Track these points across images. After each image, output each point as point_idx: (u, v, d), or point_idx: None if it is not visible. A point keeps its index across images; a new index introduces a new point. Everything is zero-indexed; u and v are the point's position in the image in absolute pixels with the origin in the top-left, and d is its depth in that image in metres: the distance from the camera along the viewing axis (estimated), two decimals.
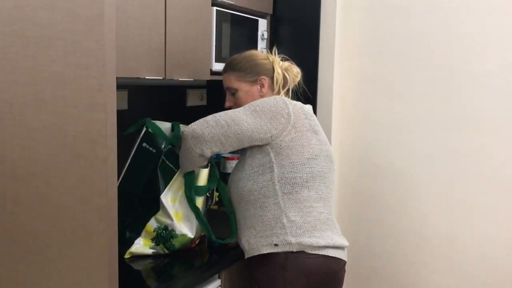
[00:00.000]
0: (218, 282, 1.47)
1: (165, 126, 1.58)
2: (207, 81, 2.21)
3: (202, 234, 1.55)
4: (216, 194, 1.67)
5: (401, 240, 2.00)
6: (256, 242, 1.39)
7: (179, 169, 1.46)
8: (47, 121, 1.05)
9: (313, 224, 1.37)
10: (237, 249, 1.50)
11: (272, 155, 1.37)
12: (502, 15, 1.75)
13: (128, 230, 1.47)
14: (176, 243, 1.46)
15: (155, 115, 1.76)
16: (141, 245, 1.45)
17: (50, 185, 1.07)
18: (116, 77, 1.04)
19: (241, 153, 1.48)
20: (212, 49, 1.73)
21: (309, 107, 1.48)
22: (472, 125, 1.83)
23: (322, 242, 1.36)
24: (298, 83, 1.58)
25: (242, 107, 1.41)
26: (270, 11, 2.06)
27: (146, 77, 1.47)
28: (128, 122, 1.55)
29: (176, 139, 1.52)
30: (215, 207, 1.84)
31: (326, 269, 1.38)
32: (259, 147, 1.39)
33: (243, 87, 1.51)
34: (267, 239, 1.37)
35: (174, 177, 1.46)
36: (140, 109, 1.89)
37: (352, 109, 2.06)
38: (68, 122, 1.04)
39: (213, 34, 1.72)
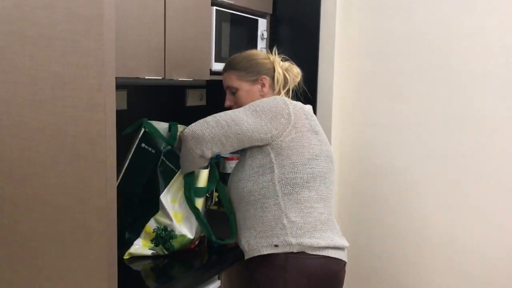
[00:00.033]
0: (217, 283, 1.47)
1: (162, 126, 1.57)
2: (207, 81, 2.20)
3: (202, 234, 1.55)
4: (215, 194, 1.66)
5: (401, 240, 2.00)
6: (256, 243, 1.39)
7: (179, 170, 1.45)
8: (46, 121, 1.05)
9: (313, 224, 1.37)
10: (237, 250, 1.50)
11: (272, 155, 1.36)
12: (502, 15, 1.75)
13: (127, 230, 1.47)
14: (176, 244, 1.45)
15: (154, 115, 1.75)
16: (140, 246, 1.45)
17: (49, 186, 1.07)
18: (115, 77, 1.03)
19: (241, 153, 1.47)
20: (212, 49, 1.72)
21: (309, 107, 1.48)
22: (472, 125, 1.83)
23: (323, 243, 1.36)
24: (298, 83, 1.58)
25: (242, 107, 1.40)
26: (270, 10, 2.06)
27: (146, 77, 1.46)
28: (127, 122, 1.55)
29: (173, 139, 1.52)
30: (215, 207, 1.84)
31: (327, 270, 1.38)
32: (259, 147, 1.38)
33: (243, 87, 1.50)
34: (267, 240, 1.37)
35: (174, 177, 1.45)
36: (139, 109, 1.88)
37: (352, 109, 2.05)
38: (67, 122, 1.03)
39: (212, 34, 1.71)
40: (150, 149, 1.48)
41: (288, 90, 1.54)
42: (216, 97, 2.24)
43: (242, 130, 1.35)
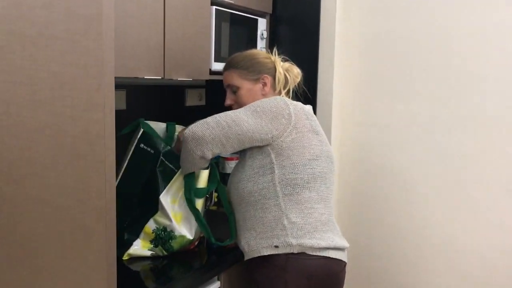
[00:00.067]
0: (217, 284, 1.46)
1: (159, 126, 1.57)
2: (206, 81, 2.20)
3: (201, 235, 1.54)
4: (215, 194, 1.66)
5: (401, 240, 2.00)
6: (256, 243, 1.38)
7: (179, 170, 1.45)
8: (45, 121, 1.04)
9: (314, 225, 1.36)
10: (237, 251, 1.49)
11: (273, 156, 1.36)
12: (502, 15, 1.75)
13: (127, 231, 1.46)
14: (175, 244, 1.44)
15: (153, 115, 1.75)
16: (140, 247, 1.44)
17: (48, 186, 1.06)
18: (114, 77, 1.03)
19: (241, 154, 1.47)
20: (211, 48, 1.72)
21: (309, 108, 1.47)
22: (473, 125, 1.83)
23: (323, 244, 1.35)
24: (298, 83, 1.57)
25: (243, 107, 1.40)
26: (270, 10, 2.05)
27: (145, 77, 1.46)
28: (126, 122, 1.54)
29: (170, 139, 1.51)
30: (214, 207, 1.84)
31: (327, 270, 1.37)
32: (260, 148, 1.38)
33: (245, 85, 1.50)
34: (268, 241, 1.36)
35: (174, 177, 1.45)
36: (138, 109, 1.88)
37: (352, 109, 2.05)
38: (66, 123, 1.02)
39: (212, 34, 1.71)
40: (149, 149, 1.47)
41: (288, 90, 1.54)
42: (216, 97, 2.24)
43: (242, 130, 1.34)
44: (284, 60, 1.57)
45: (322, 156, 1.40)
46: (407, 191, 1.97)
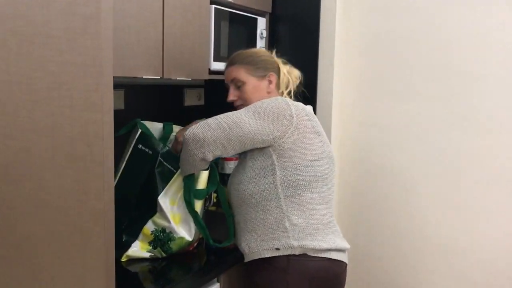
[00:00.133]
0: (217, 286, 1.45)
1: (156, 126, 1.56)
2: (205, 80, 2.19)
3: (200, 236, 1.53)
4: (214, 195, 1.65)
5: (401, 241, 1.99)
6: (257, 246, 1.37)
7: (178, 170, 1.43)
8: (42, 122, 1.03)
9: (315, 227, 1.35)
10: (237, 252, 1.48)
11: (274, 157, 1.35)
12: (503, 15, 1.74)
13: (125, 233, 1.45)
14: (174, 246, 1.43)
15: (152, 115, 1.73)
16: (138, 248, 1.43)
17: (45, 188, 1.05)
18: (113, 76, 1.01)
19: (241, 155, 1.46)
20: (211, 48, 1.70)
21: (309, 108, 1.46)
22: (473, 125, 1.82)
23: (325, 245, 1.34)
24: (297, 86, 1.57)
25: (244, 108, 1.38)
26: (269, 9, 2.04)
27: (144, 77, 1.44)
28: (125, 122, 1.53)
29: (165, 139, 1.50)
30: (213, 208, 1.82)
31: (329, 272, 1.36)
32: (261, 149, 1.36)
33: (251, 81, 1.48)
34: (268, 243, 1.35)
35: (173, 178, 1.43)
36: (136, 109, 1.86)
37: (352, 109, 2.04)
38: (63, 123, 1.01)
39: (211, 33, 1.69)
40: (147, 150, 1.46)
41: (289, 92, 1.55)
42: (215, 96, 2.23)
43: (244, 132, 1.33)
44: (284, 63, 1.57)
45: (324, 157, 1.39)
46: (407, 191, 1.96)
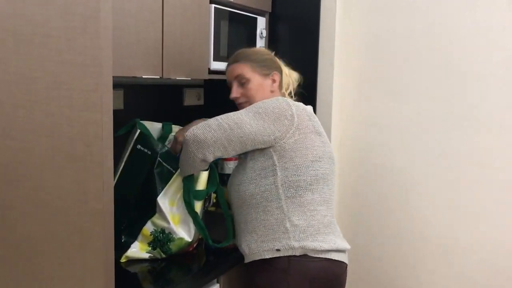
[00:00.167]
0: (216, 287, 1.44)
1: (155, 126, 1.56)
2: (205, 80, 2.18)
3: (200, 237, 1.52)
4: (213, 195, 1.64)
5: (401, 242, 1.98)
6: (258, 247, 1.36)
7: (177, 171, 1.43)
8: (40, 122, 1.02)
9: (316, 227, 1.35)
10: (236, 253, 1.47)
11: (275, 158, 1.34)
12: (503, 15, 1.73)
13: (124, 233, 1.44)
14: (173, 247, 1.42)
15: (151, 115, 1.72)
16: (138, 249, 1.42)
17: (44, 189, 1.04)
18: (112, 76, 1.00)
19: (241, 155, 1.45)
20: (210, 47, 1.69)
21: (310, 108, 1.46)
22: (474, 125, 1.81)
23: (326, 246, 1.34)
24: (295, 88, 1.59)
25: (244, 109, 1.38)
26: (269, 9, 2.03)
27: (143, 76, 1.43)
28: (124, 123, 1.53)
29: (164, 140, 1.49)
30: (212, 208, 1.82)
31: (329, 273, 1.36)
32: (261, 149, 1.36)
33: (256, 79, 1.47)
34: (269, 244, 1.35)
35: (172, 179, 1.43)
36: (136, 109, 1.86)
37: (352, 109, 2.03)
38: (62, 123, 1.00)
39: (211, 32, 1.68)
40: (146, 150, 1.45)
41: (290, 93, 1.56)
42: (214, 96, 2.22)
43: (245, 133, 1.32)
44: (285, 64, 1.58)
45: (325, 157, 1.38)
46: (407, 191, 1.96)
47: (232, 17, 1.79)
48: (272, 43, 2.03)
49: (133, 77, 1.40)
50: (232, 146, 1.33)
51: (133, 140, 1.47)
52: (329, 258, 1.35)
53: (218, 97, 2.21)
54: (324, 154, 1.38)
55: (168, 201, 1.42)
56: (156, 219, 1.42)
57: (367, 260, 2.07)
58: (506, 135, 1.77)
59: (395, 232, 1.99)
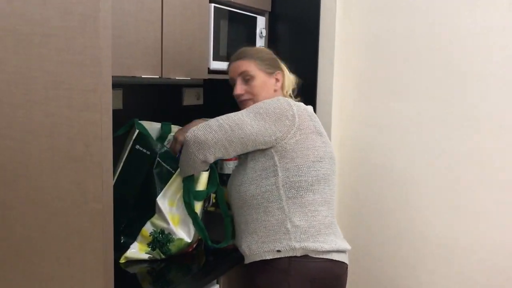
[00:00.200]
0: None
1: (154, 126, 1.55)
2: (204, 80, 2.17)
3: (199, 238, 1.52)
4: (212, 195, 1.63)
5: (401, 242, 1.98)
6: (258, 248, 1.36)
7: (177, 171, 1.42)
8: (39, 122, 1.02)
9: (317, 228, 1.34)
10: (236, 253, 1.47)
11: (276, 158, 1.33)
12: (503, 15, 1.73)
13: (123, 234, 1.43)
14: (173, 247, 1.42)
15: (150, 115, 1.72)
16: (137, 250, 1.41)
17: (43, 189, 1.03)
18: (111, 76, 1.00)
19: (241, 155, 1.44)
20: (210, 47, 1.69)
21: (310, 108, 1.45)
22: (474, 125, 1.81)
23: (327, 247, 1.33)
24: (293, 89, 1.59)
25: (245, 109, 1.37)
26: (269, 8, 2.02)
27: (143, 76, 1.43)
28: (123, 122, 1.52)
29: (163, 140, 1.48)
30: (212, 209, 1.81)
31: (330, 273, 1.36)
32: (262, 150, 1.35)
33: (260, 76, 1.47)
34: (270, 245, 1.34)
35: (172, 179, 1.42)
36: (135, 109, 1.85)
37: (352, 109, 2.03)
38: (61, 123, 1.00)
39: (211, 32, 1.68)
40: (145, 150, 1.44)
41: (290, 95, 1.55)
42: (214, 96, 2.21)
43: (245, 134, 1.31)
44: (285, 65, 1.57)
45: (326, 158, 1.38)
46: (407, 191, 1.95)
47: (232, 16, 1.78)
48: (271, 42, 2.02)
49: (132, 76, 1.39)
50: (233, 147, 1.33)
51: (132, 140, 1.46)
52: (330, 259, 1.34)
53: (218, 97, 2.20)
54: (325, 155, 1.38)
55: (168, 202, 1.41)
56: (155, 219, 1.41)
57: (367, 260, 2.06)
58: (506, 135, 1.77)
59: (395, 232, 1.99)
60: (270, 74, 1.48)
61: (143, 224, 1.42)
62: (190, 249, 1.50)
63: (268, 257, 1.34)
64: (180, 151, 1.44)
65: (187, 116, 1.75)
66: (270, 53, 1.53)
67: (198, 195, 1.43)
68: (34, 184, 1.04)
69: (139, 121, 1.50)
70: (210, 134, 1.31)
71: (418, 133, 1.91)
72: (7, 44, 1.01)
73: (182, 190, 1.42)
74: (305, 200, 1.34)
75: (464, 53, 1.80)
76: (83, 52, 0.96)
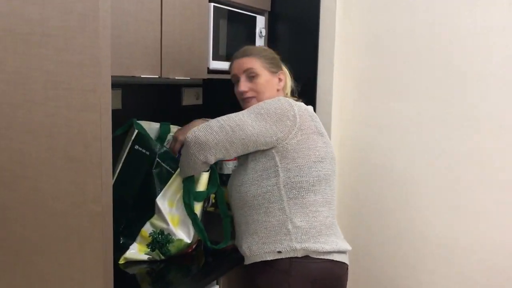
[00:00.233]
0: None
1: (153, 126, 1.54)
2: (203, 79, 2.16)
3: (199, 238, 1.51)
4: (212, 196, 1.63)
5: (401, 242, 1.98)
6: (259, 248, 1.35)
7: (177, 171, 1.41)
8: (38, 123, 1.01)
9: (318, 229, 1.34)
10: (236, 254, 1.46)
11: (277, 159, 1.33)
12: (504, 14, 1.73)
13: (122, 235, 1.42)
14: (172, 248, 1.41)
15: (149, 115, 1.71)
16: (136, 251, 1.41)
17: (41, 190, 1.03)
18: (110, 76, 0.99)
19: (242, 156, 1.43)
20: (209, 46, 1.68)
21: (311, 109, 1.45)
22: (474, 125, 1.81)
23: (328, 248, 1.33)
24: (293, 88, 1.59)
25: (246, 110, 1.36)
26: (268, 7, 2.02)
27: (142, 76, 1.42)
28: (122, 122, 1.51)
29: (162, 140, 1.47)
30: (211, 209, 1.80)
31: (331, 274, 1.35)
32: (263, 150, 1.35)
33: (265, 75, 1.46)
34: (270, 246, 1.34)
35: (171, 179, 1.41)
36: (134, 109, 1.84)
37: (352, 108, 2.03)
38: (60, 124, 0.99)
39: (210, 31, 1.67)
40: (144, 151, 1.43)
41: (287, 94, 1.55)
42: (213, 96, 2.21)
43: (246, 135, 1.30)
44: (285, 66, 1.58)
45: (327, 158, 1.37)
46: (407, 191, 1.95)
47: (231, 16, 1.77)
48: (271, 42, 2.01)
49: (131, 76, 1.39)
50: (234, 148, 1.32)
51: (131, 141, 1.46)
52: (330, 259, 1.34)
53: (217, 97, 2.20)
54: (326, 155, 1.37)
55: (167, 202, 1.41)
56: (155, 220, 1.41)
57: (367, 260, 2.06)
58: (506, 135, 1.77)
59: (395, 232, 1.99)
60: (274, 73, 1.48)
61: (142, 224, 1.41)
62: (190, 250, 1.49)
63: (268, 258, 1.34)
64: (180, 151, 1.43)
65: (186, 116, 1.74)
66: (273, 53, 1.53)
67: (198, 196, 1.43)
68: (33, 184, 1.04)
69: (138, 121, 1.49)
70: (211, 135, 1.31)
71: (418, 133, 1.91)
72: (6, 44, 1.00)
73: (182, 191, 1.41)
74: (306, 200, 1.33)
75: (464, 53, 1.80)
76: (83, 52, 0.95)
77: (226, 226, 1.49)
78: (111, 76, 0.99)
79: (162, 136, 1.56)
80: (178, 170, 1.41)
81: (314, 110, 1.96)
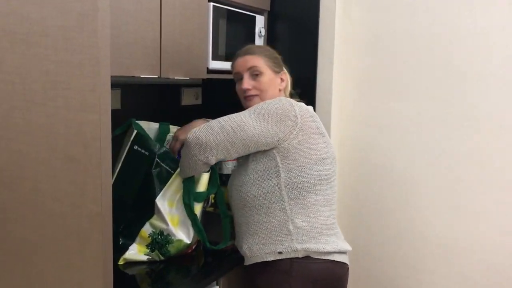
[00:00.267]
0: None
1: (152, 126, 1.54)
2: (203, 79, 2.16)
3: (199, 239, 1.51)
4: (211, 196, 1.62)
5: (401, 242, 1.98)
6: (259, 249, 1.35)
7: (176, 171, 1.41)
8: (36, 123, 1.00)
9: (319, 229, 1.34)
10: (236, 254, 1.46)
11: (278, 159, 1.32)
12: (504, 14, 1.73)
13: (122, 235, 1.42)
14: (172, 249, 1.41)
15: (148, 115, 1.71)
16: (136, 251, 1.40)
17: (40, 191, 1.02)
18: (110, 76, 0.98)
19: (242, 156, 1.43)
20: (209, 46, 1.68)
21: (311, 109, 1.44)
22: (474, 125, 1.81)
23: (328, 248, 1.33)
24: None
25: (247, 110, 1.36)
26: (268, 7, 2.01)
27: (141, 76, 1.41)
28: (121, 123, 1.51)
29: (161, 140, 1.48)
30: (211, 209, 1.80)
31: (332, 274, 1.35)
32: (264, 151, 1.34)
33: (268, 73, 1.46)
34: (271, 247, 1.33)
35: (171, 179, 1.41)
36: (133, 109, 1.84)
37: (352, 108, 2.02)
38: (59, 124, 0.99)
39: (209, 31, 1.67)
40: (143, 151, 1.43)
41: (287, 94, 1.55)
42: (212, 96, 2.20)
43: (248, 135, 1.30)
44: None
45: (328, 158, 1.37)
46: (407, 191, 1.95)
47: (231, 15, 1.77)
48: (270, 42, 2.01)
49: (130, 76, 1.38)
50: (235, 149, 1.31)
51: (130, 141, 1.45)
52: (331, 260, 1.34)
53: (216, 97, 2.19)
54: (327, 155, 1.37)
55: (167, 202, 1.40)
56: (154, 220, 1.40)
57: (367, 260, 2.06)
58: (506, 135, 1.76)
59: (395, 232, 1.98)
60: (277, 73, 1.48)
61: (142, 225, 1.41)
62: (190, 250, 1.49)
63: (269, 259, 1.33)
64: (179, 151, 1.43)
65: (185, 116, 1.74)
66: (276, 53, 1.53)
67: (198, 197, 1.42)
68: (33, 185, 1.03)
69: (137, 121, 1.49)
70: (212, 136, 1.30)
71: (418, 133, 1.91)
72: (4, 43, 1.00)
73: (181, 191, 1.41)
74: (308, 201, 1.33)
75: (464, 53, 1.80)
76: (82, 52, 0.95)
77: (226, 226, 1.48)
78: (111, 76, 0.98)
79: (161, 136, 1.55)
80: (178, 170, 1.41)
81: (314, 110, 1.96)
